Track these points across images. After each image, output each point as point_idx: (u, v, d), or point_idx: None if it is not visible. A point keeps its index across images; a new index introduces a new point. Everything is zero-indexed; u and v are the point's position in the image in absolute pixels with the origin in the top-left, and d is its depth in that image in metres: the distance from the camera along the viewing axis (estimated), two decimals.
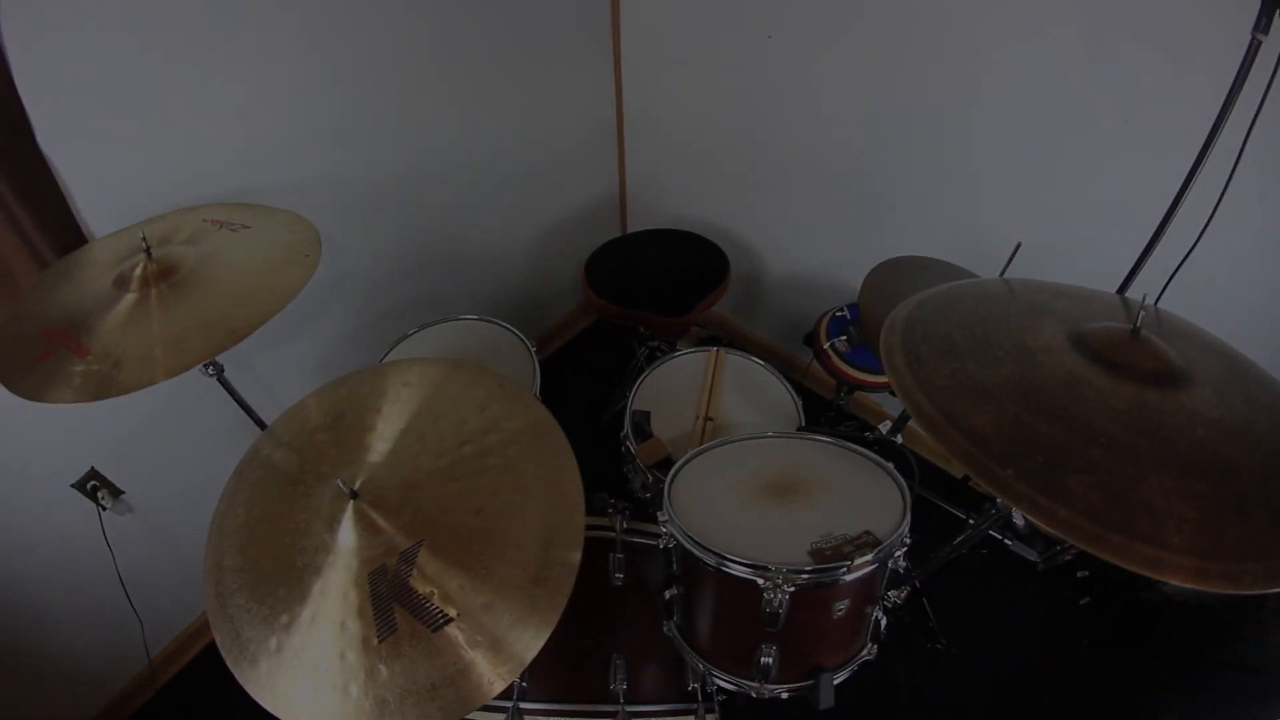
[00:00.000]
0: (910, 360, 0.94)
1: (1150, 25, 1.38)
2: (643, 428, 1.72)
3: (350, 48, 1.78)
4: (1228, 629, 1.65)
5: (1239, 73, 1.07)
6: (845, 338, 1.94)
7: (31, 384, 1.17)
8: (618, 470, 1.80)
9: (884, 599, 1.24)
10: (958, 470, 2.30)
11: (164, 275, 1.31)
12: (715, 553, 1.12)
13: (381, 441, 1.34)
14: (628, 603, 1.50)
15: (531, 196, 2.53)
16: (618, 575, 1.46)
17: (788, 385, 1.79)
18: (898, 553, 1.14)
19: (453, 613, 1.11)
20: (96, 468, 1.72)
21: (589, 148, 2.62)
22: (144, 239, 1.31)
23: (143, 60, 1.45)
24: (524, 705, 1.39)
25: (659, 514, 1.27)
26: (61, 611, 1.79)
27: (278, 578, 1.20)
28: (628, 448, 1.70)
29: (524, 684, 1.40)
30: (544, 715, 1.41)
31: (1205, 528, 0.69)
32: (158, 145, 1.54)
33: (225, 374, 1.54)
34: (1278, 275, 1.51)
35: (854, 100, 1.98)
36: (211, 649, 2.08)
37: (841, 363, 1.93)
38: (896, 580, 1.22)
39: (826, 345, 1.96)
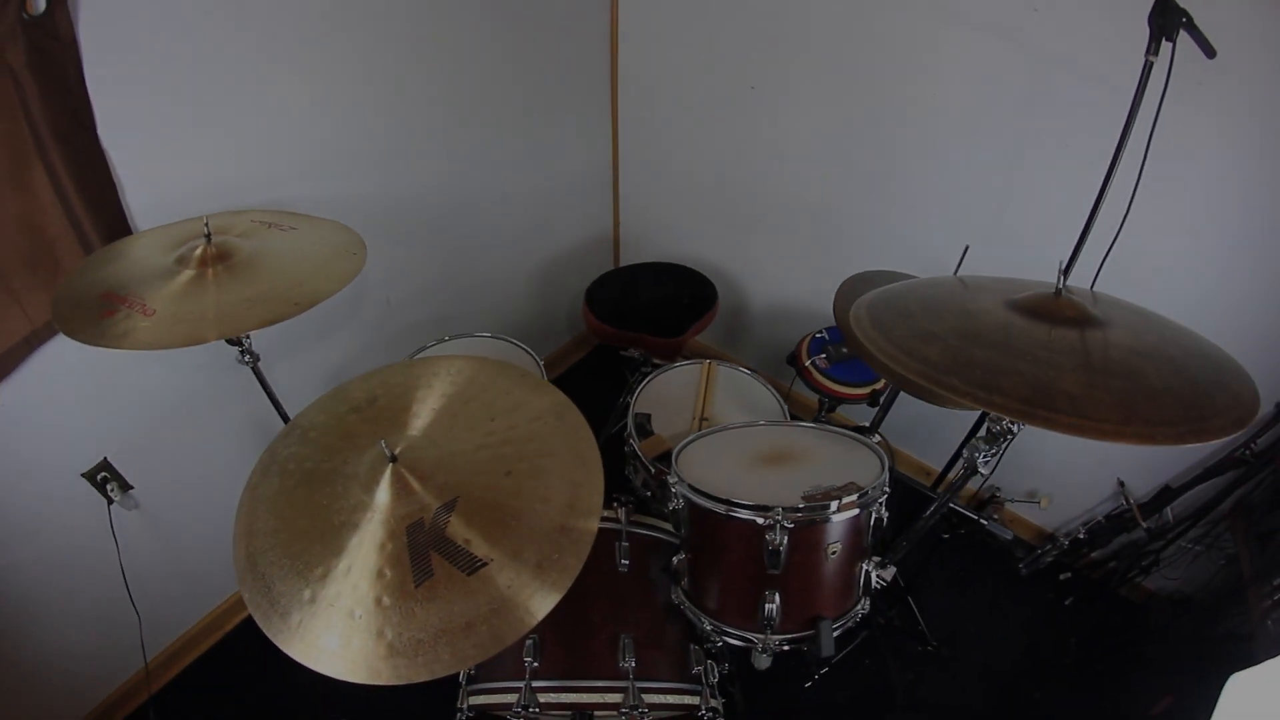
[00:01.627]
0: (874, 321, 1.12)
1: (1082, 61, 1.61)
2: (644, 427, 1.81)
3: (387, 83, 1.93)
4: (1212, 610, 1.75)
5: (1137, 88, 1.28)
6: (824, 355, 2.08)
7: (96, 333, 1.23)
8: (619, 475, 1.87)
9: (872, 560, 1.32)
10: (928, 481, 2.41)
11: (221, 258, 1.39)
12: (722, 499, 1.24)
13: (417, 419, 1.40)
14: (634, 588, 1.56)
15: (534, 231, 2.67)
16: (623, 562, 1.52)
17: (774, 391, 1.91)
18: (880, 498, 1.26)
19: (488, 557, 1.16)
20: (109, 459, 1.71)
21: (587, 189, 2.80)
22: (206, 224, 1.39)
23: (202, 72, 1.56)
24: (536, 684, 1.41)
25: (668, 477, 1.34)
26: (59, 603, 1.73)
27: (313, 534, 1.23)
28: (631, 446, 1.77)
29: (536, 663, 1.42)
30: (556, 691, 1.42)
31: (1119, 405, 0.87)
32: (206, 152, 1.63)
33: (260, 364, 1.59)
34: (1189, 254, 1.72)
35: (825, 142, 2.19)
36: (208, 657, 2.05)
37: (822, 378, 2.06)
38: (882, 548, 1.31)
39: (808, 363, 2.09)
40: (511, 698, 1.41)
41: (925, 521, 1.43)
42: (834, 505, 1.20)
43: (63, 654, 1.78)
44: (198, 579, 2.03)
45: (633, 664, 1.40)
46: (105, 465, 1.70)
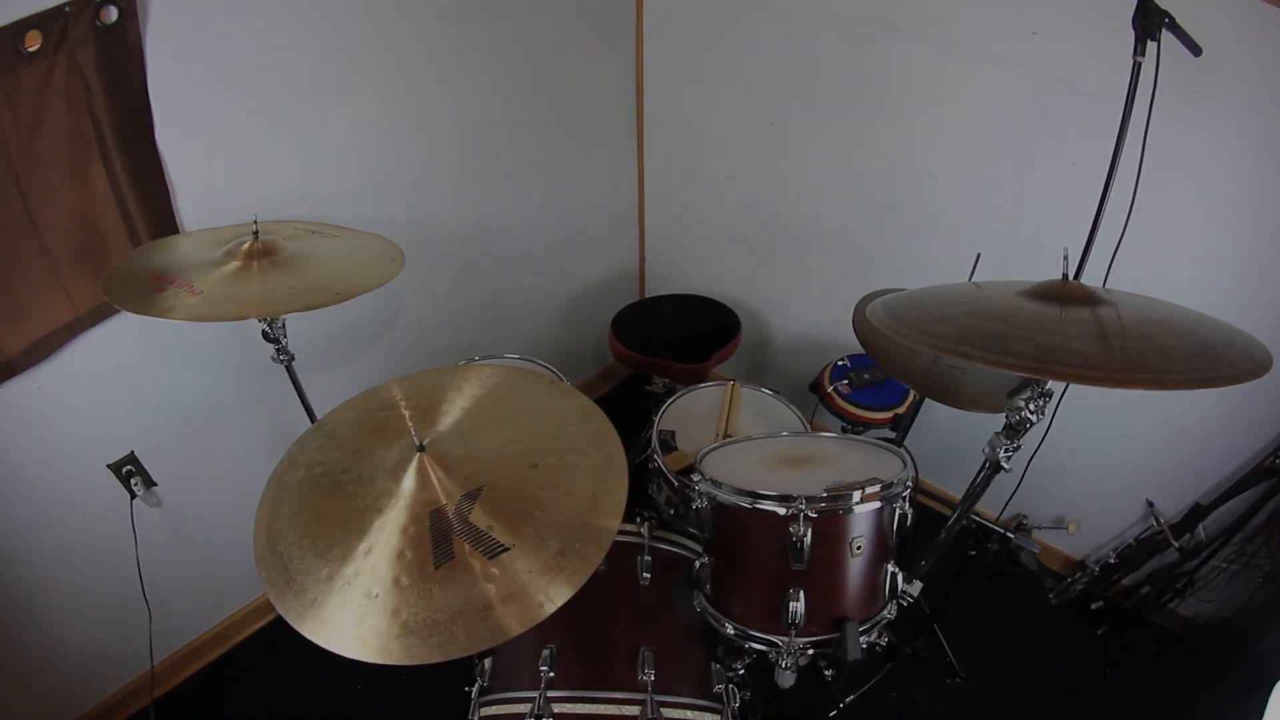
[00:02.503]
0: (889, 312, 1.11)
1: (1080, 79, 1.63)
2: (669, 443, 1.79)
3: (427, 114, 2.00)
4: (1252, 630, 1.64)
5: (1128, 89, 1.29)
6: (846, 381, 2.06)
7: (144, 305, 1.27)
8: (643, 495, 1.83)
9: (898, 559, 1.27)
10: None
11: (267, 254, 1.42)
12: (746, 491, 1.20)
13: (446, 417, 1.40)
14: (655, 602, 1.50)
15: (561, 264, 2.70)
16: (645, 575, 1.47)
17: (796, 411, 1.88)
18: (904, 493, 1.22)
19: (510, 543, 1.13)
20: (136, 453, 1.70)
21: (614, 223, 2.84)
22: (255, 222, 1.44)
23: (256, 91, 1.62)
24: (551, 694, 1.34)
25: (692, 478, 1.31)
26: (71, 593, 1.70)
27: (335, 518, 1.21)
28: (655, 462, 1.74)
29: (552, 673, 1.35)
30: (571, 701, 1.35)
31: (1128, 359, 0.89)
32: (255, 165, 1.68)
33: (294, 363, 1.61)
34: (1196, 253, 1.70)
35: (842, 174, 2.21)
36: (216, 666, 2.00)
37: (844, 403, 2.04)
38: (906, 565, 1.26)
39: (830, 389, 2.07)
40: (524, 708, 1.34)
41: (949, 531, 1.37)
42: (857, 496, 1.17)
43: (70, 646, 1.74)
44: (213, 585, 1.99)
45: (652, 677, 1.34)
46: (132, 459, 1.70)
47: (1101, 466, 2.01)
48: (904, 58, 1.90)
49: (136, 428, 1.69)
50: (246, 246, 1.42)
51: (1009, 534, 1.54)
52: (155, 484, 1.76)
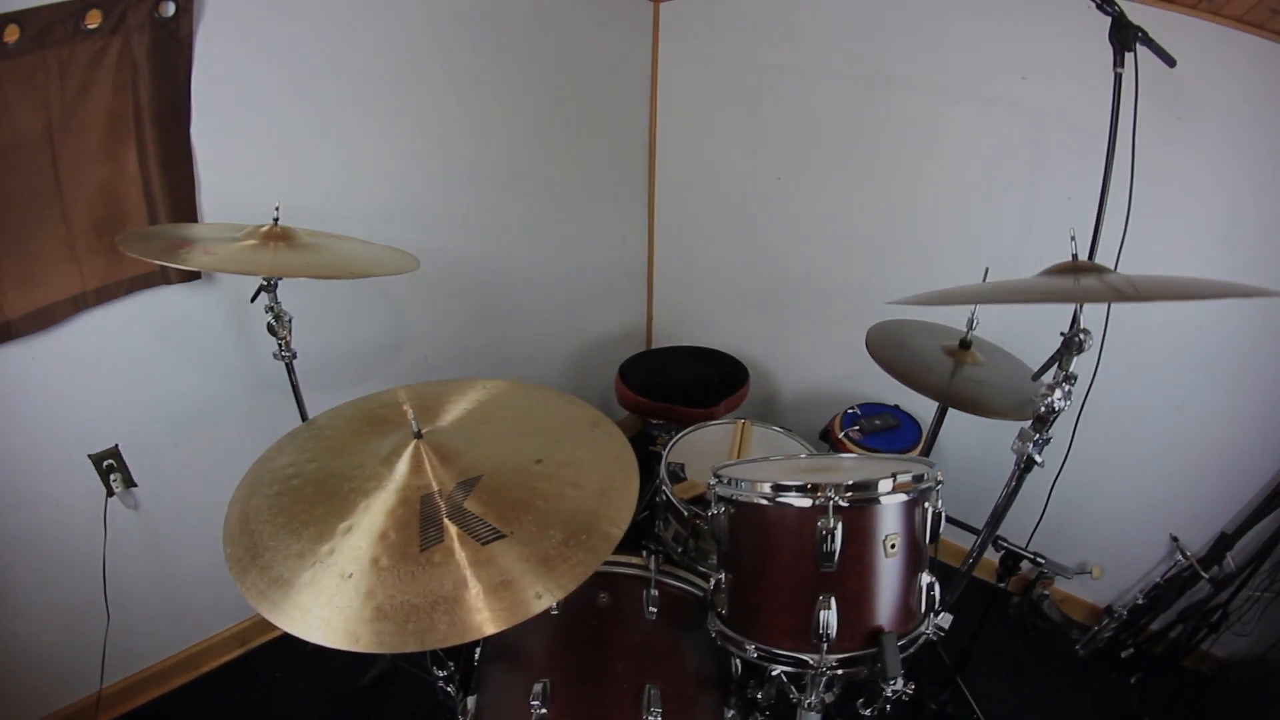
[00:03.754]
0: (916, 298, 1.06)
1: (1070, 113, 1.65)
2: (678, 475, 1.67)
3: (451, 151, 2.01)
4: None
5: (1113, 99, 1.28)
6: (857, 427, 1.97)
7: (158, 253, 1.25)
8: (649, 533, 1.72)
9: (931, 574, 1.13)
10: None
11: (284, 238, 1.38)
12: (768, 483, 1.08)
13: (449, 415, 1.31)
14: (662, 638, 1.34)
15: (571, 312, 2.66)
16: (651, 610, 1.32)
17: (810, 448, 1.77)
18: (934, 487, 1.10)
19: (506, 530, 1.00)
20: (120, 448, 1.59)
21: (625, 276, 2.82)
22: (277, 208, 1.40)
23: (291, 105, 1.63)
24: None
25: (709, 482, 1.20)
26: (25, 589, 1.54)
27: (317, 500, 1.10)
28: (664, 494, 1.62)
29: (544, 710, 1.17)
30: None
31: (1151, 288, 0.93)
32: (280, 174, 1.67)
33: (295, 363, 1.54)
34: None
35: (849, 223, 2.20)
36: (173, 698, 1.75)
37: (856, 449, 1.93)
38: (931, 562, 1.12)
39: (841, 435, 1.97)
40: None
41: (978, 549, 1.24)
42: (888, 485, 1.04)
43: (20, 645, 1.56)
44: (182, 607, 1.81)
45: (659, 718, 1.15)
46: (115, 453, 1.59)
47: (1121, 507, 1.88)
48: (903, 110, 1.93)
49: (124, 421, 1.59)
50: (265, 229, 1.38)
51: (1039, 559, 1.38)
52: (135, 485, 1.64)
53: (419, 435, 1.14)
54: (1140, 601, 1.82)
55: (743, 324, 2.67)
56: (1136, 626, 1.84)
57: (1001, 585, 1.46)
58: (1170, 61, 1.27)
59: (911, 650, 1.10)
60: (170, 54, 1.45)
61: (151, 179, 1.48)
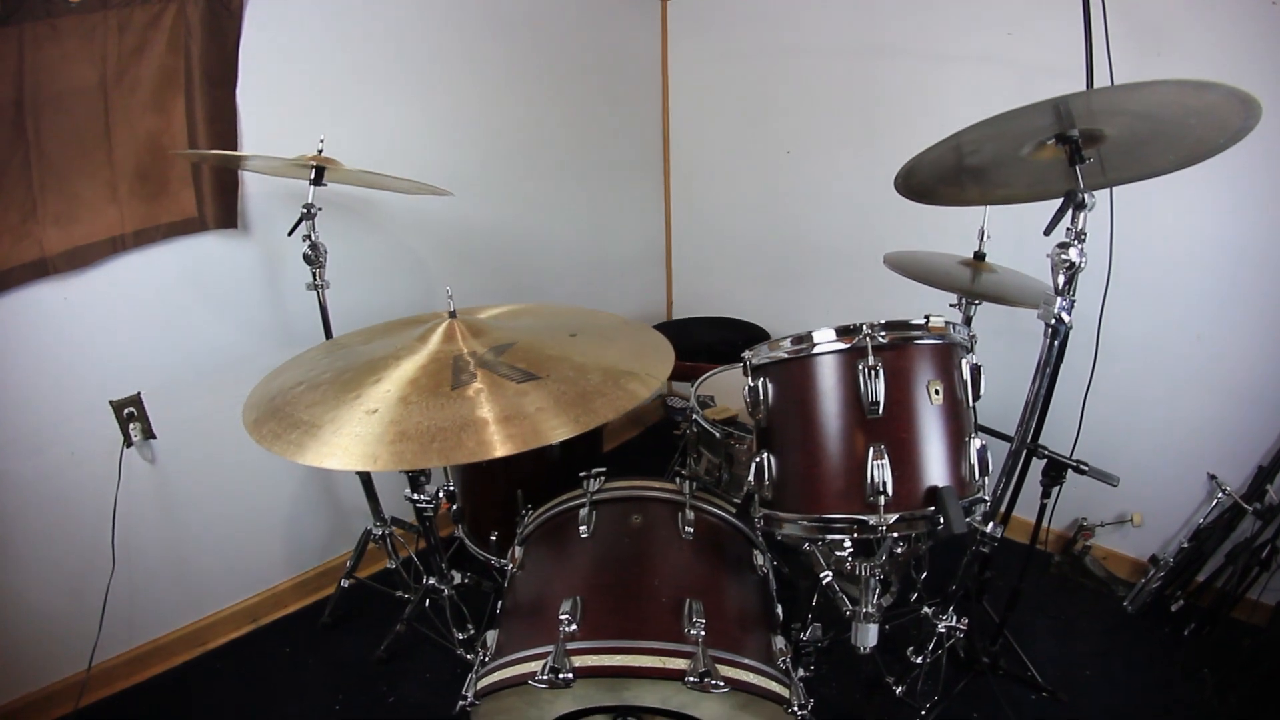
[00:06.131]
0: None
1: (1057, 64, 1.56)
2: (707, 404, 1.59)
3: (478, 123, 2.01)
4: None
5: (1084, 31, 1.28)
6: None
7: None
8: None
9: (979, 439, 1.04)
10: None
11: (325, 163, 1.38)
12: (804, 337, 1.01)
13: (484, 315, 1.27)
14: (701, 556, 1.20)
15: (592, 291, 2.59)
16: (688, 530, 1.20)
17: None
18: (969, 343, 1.04)
19: (541, 375, 0.92)
20: (143, 396, 1.51)
21: (644, 254, 2.77)
22: (321, 140, 1.41)
23: (331, 76, 1.66)
24: (572, 646, 0.98)
25: (744, 355, 1.12)
26: (34, 540, 1.42)
27: (345, 368, 1.02)
28: (696, 424, 1.54)
29: (574, 626, 1.01)
30: (599, 654, 0.98)
31: None
32: (315, 133, 1.55)
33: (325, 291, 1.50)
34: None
35: (855, 191, 2.17)
36: (151, 686, 1.57)
37: None
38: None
39: None
40: (536, 665, 0.97)
41: (1021, 441, 1.14)
42: (921, 321, 0.98)
43: (25, 607, 1.43)
44: (189, 575, 1.66)
45: (702, 631, 0.99)
46: (136, 401, 1.51)
47: (1154, 450, 1.75)
48: (900, 76, 1.95)
49: (149, 368, 1.52)
50: (311, 156, 1.39)
51: (1082, 466, 1.25)
52: (155, 437, 1.54)
53: (453, 315, 1.09)
54: (1186, 545, 1.67)
55: (760, 294, 2.60)
56: (1184, 576, 1.68)
57: (1044, 504, 1.33)
58: None
59: (972, 516, 0.98)
60: (222, 21, 1.50)
61: (198, 132, 1.49)
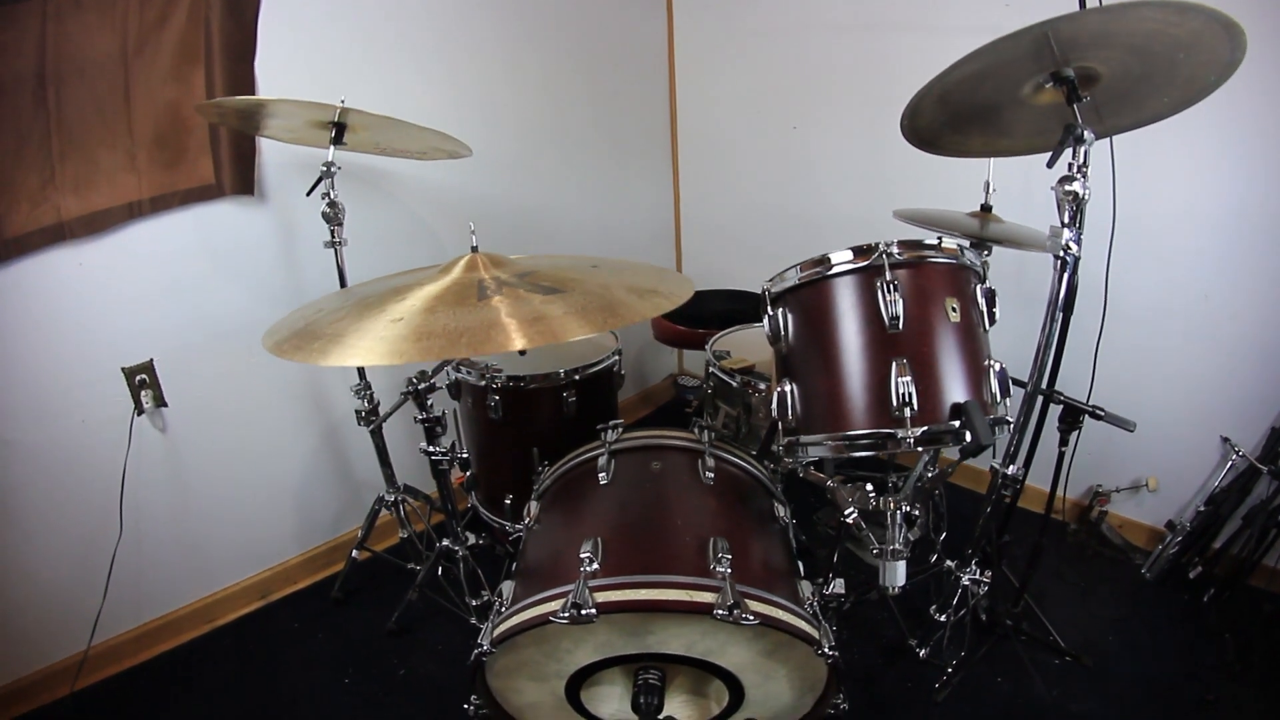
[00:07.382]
0: None
1: None
2: (724, 356, 1.58)
3: (492, 99, 2.01)
4: None
5: None
6: None
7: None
8: None
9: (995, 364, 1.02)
10: None
11: (348, 114, 1.39)
12: (821, 259, 1.02)
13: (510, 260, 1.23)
14: (723, 499, 1.18)
15: None
16: (709, 474, 1.19)
17: None
18: (981, 269, 1.04)
19: (563, 289, 0.91)
20: (155, 363, 1.48)
21: (652, 235, 2.75)
22: (342, 101, 1.38)
23: (346, 49, 1.66)
24: (595, 583, 0.94)
25: (764, 286, 1.14)
26: (41, 510, 1.38)
27: (366, 296, 1.00)
28: (711, 372, 1.54)
29: (596, 565, 0.97)
30: (622, 589, 0.94)
31: None
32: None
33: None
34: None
35: (860, 163, 2.17)
36: (148, 670, 1.53)
37: None
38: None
39: None
40: (556, 605, 0.92)
41: (1039, 375, 1.11)
42: (934, 239, 0.98)
43: (31, 585, 1.38)
44: (198, 548, 1.61)
45: (729, 568, 0.95)
46: (149, 368, 1.48)
47: (1165, 415, 1.71)
48: (903, 50, 1.96)
49: (162, 335, 1.49)
50: (327, 118, 1.39)
51: (1099, 413, 1.22)
52: (166, 405, 1.51)
53: (475, 249, 1.07)
54: (1202, 509, 1.63)
55: (768, 268, 2.45)
56: (1201, 542, 1.64)
57: (1062, 453, 1.30)
58: None
59: (998, 433, 0.96)
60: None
61: None
